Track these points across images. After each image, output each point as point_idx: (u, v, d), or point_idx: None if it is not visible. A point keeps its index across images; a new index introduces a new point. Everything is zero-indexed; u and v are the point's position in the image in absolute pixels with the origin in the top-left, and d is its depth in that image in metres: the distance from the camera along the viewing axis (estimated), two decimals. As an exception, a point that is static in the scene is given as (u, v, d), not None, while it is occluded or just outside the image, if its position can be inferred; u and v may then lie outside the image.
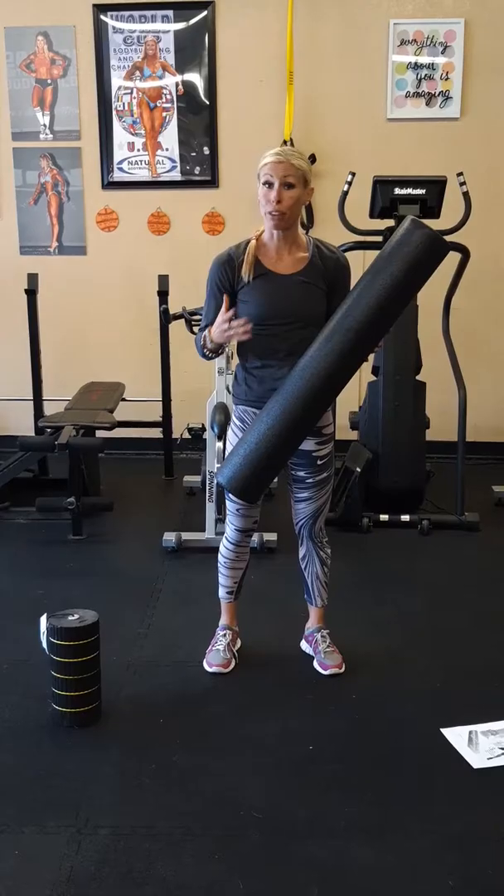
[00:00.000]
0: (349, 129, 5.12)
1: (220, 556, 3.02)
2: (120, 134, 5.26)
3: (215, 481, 3.01)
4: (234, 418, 2.86)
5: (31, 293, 4.90)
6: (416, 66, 5.04)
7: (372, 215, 4.28)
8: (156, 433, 5.14)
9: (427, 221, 3.99)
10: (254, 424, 2.62)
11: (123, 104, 5.22)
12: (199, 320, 4.10)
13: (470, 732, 2.59)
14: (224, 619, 3.09)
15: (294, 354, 2.60)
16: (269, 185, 2.59)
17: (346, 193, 4.27)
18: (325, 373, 2.50)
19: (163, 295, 4.88)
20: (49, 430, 4.32)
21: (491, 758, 2.50)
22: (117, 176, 5.31)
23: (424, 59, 5.03)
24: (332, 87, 5.11)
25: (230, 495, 2.81)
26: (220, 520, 3.83)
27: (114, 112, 5.24)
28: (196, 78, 5.16)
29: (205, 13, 5.06)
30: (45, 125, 5.28)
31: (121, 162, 5.30)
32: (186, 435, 4.72)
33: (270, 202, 2.60)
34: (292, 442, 2.61)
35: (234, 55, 5.11)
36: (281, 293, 2.66)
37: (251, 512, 2.90)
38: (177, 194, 5.31)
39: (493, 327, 5.32)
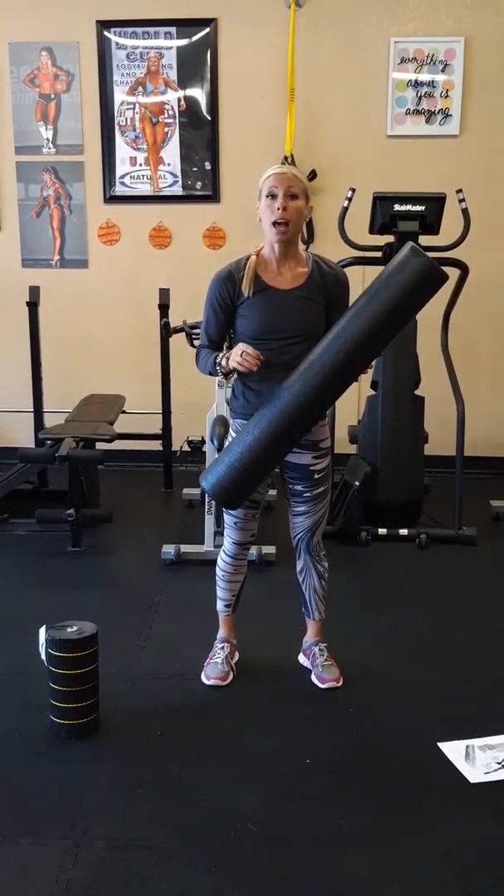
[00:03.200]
0: (349, 145, 5.16)
1: (217, 569, 3.03)
2: (122, 148, 5.30)
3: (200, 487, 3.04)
4: (231, 432, 2.87)
5: (33, 306, 4.92)
6: (417, 84, 5.08)
7: (372, 231, 4.31)
8: (155, 445, 5.15)
9: (426, 238, 4.08)
10: (240, 434, 2.64)
11: (126, 119, 5.27)
12: (200, 334, 4.14)
13: (467, 747, 2.60)
14: (222, 632, 3.10)
15: (292, 369, 2.62)
16: (273, 196, 2.62)
17: (345, 209, 4.30)
18: (314, 391, 2.53)
19: (163, 308, 4.90)
20: (49, 441, 4.34)
21: (488, 772, 2.50)
22: (119, 190, 5.35)
23: (424, 77, 5.07)
24: (332, 104, 5.15)
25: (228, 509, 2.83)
26: (219, 532, 3.84)
27: (116, 127, 5.28)
28: (198, 93, 5.20)
29: (207, 30, 5.11)
30: (48, 139, 5.32)
31: (123, 176, 5.33)
32: (186, 447, 4.74)
33: (275, 212, 2.62)
34: (276, 455, 2.65)
35: (236, 72, 5.15)
36: (280, 308, 2.68)
37: (249, 525, 2.92)
38: (178, 209, 5.35)
39: (492, 342, 5.34)
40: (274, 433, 2.56)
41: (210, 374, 2.78)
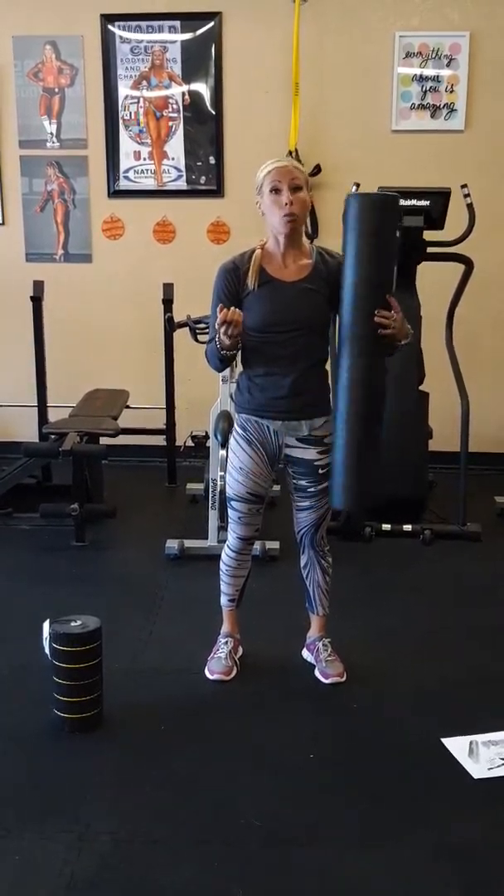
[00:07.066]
0: (354, 140, 5.14)
1: (221, 563, 3.03)
2: (126, 143, 5.29)
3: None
4: (236, 426, 2.87)
5: (37, 300, 4.92)
6: (422, 79, 5.07)
7: (376, 226, 4.30)
8: (159, 440, 5.15)
9: (431, 233, 4.07)
10: (333, 440, 2.67)
11: (130, 113, 5.26)
12: (204, 328, 4.13)
13: (471, 743, 2.59)
14: (226, 627, 3.10)
15: (297, 361, 2.62)
16: (278, 190, 2.62)
17: (350, 204, 4.29)
18: (365, 360, 2.59)
19: (167, 303, 4.90)
20: (53, 436, 4.34)
21: (491, 768, 2.50)
22: (123, 184, 5.34)
23: (429, 72, 5.06)
24: (337, 99, 5.14)
25: (233, 504, 2.83)
26: (223, 527, 3.84)
27: (120, 121, 5.27)
28: (202, 88, 5.19)
29: (212, 24, 5.09)
30: (52, 133, 5.32)
31: (127, 171, 5.33)
32: (190, 443, 4.74)
33: (283, 206, 2.62)
34: (373, 437, 2.68)
35: (241, 66, 5.14)
36: (285, 300, 2.68)
37: (253, 520, 2.91)
38: (182, 203, 5.34)
39: (496, 338, 5.33)
40: (360, 418, 2.61)
41: (221, 358, 2.69)
